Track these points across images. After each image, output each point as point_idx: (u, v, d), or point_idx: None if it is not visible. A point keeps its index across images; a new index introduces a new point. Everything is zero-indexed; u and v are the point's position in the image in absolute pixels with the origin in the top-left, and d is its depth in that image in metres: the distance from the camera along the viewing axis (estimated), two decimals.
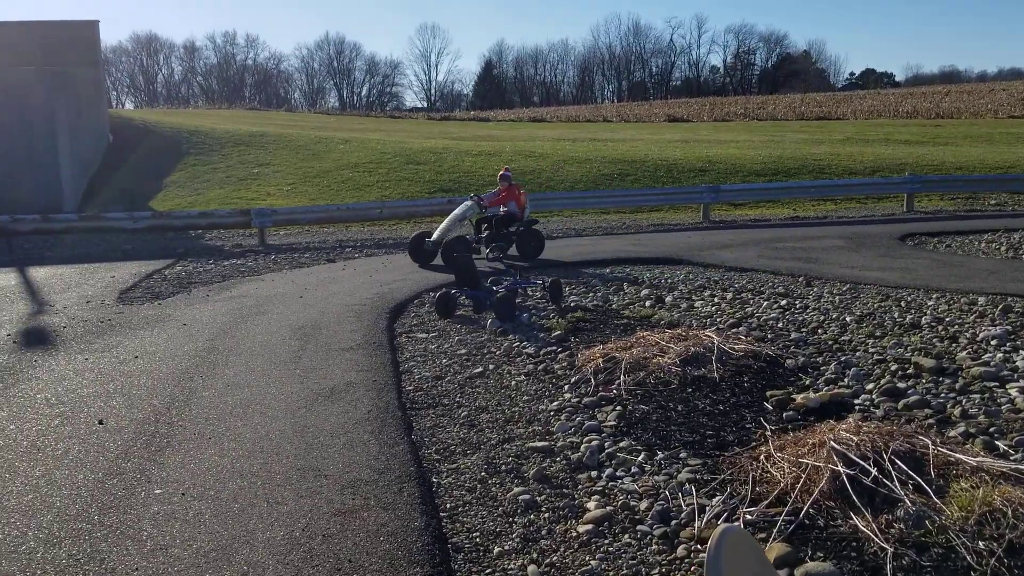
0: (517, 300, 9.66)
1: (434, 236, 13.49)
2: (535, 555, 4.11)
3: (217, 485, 4.85)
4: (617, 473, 5.06)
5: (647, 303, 9.95)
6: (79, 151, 23.44)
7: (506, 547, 4.19)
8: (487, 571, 3.97)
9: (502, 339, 8.40)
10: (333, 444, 5.50)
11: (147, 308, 10.41)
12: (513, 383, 6.93)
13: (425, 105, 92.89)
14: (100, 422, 6.01)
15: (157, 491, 4.79)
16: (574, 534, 4.32)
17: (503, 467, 5.17)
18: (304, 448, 5.43)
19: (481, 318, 9.35)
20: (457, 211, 14.10)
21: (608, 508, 4.58)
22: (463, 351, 7.98)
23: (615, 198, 19.70)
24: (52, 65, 23.62)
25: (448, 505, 4.66)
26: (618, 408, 6.09)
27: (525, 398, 6.52)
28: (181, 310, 10.14)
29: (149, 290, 11.85)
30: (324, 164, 25.29)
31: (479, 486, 4.91)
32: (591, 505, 4.63)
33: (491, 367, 7.41)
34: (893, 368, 6.88)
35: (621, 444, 5.47)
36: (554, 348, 7.86)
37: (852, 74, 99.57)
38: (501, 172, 14.39)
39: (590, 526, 4.38)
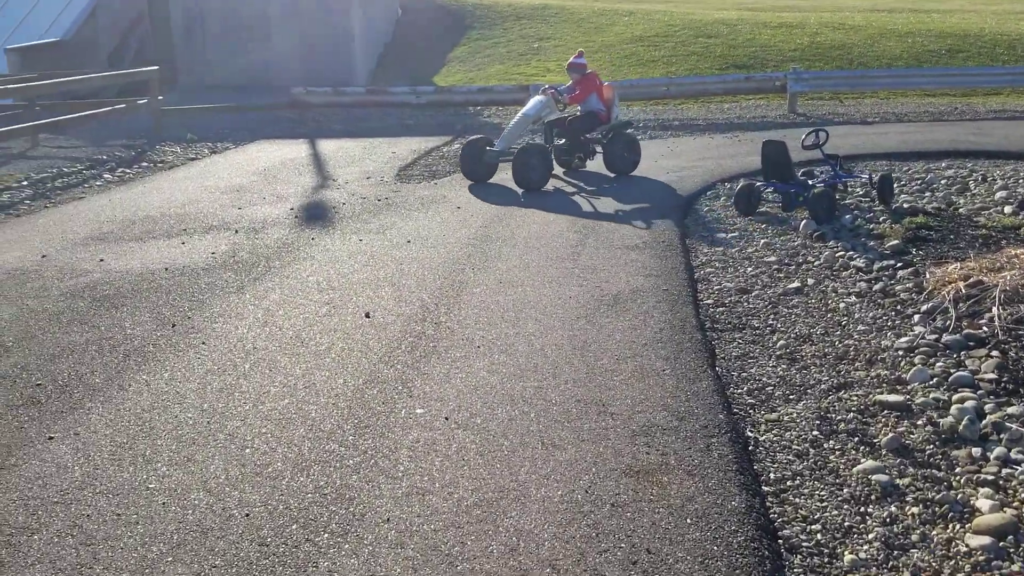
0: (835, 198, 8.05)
1: (498, 144, 10.00)
2: (907, 574, 2.91)
3: (485, 411, 4.07)
4: (1012, 455, 3.65)
5: (1006, 209, 7.91)
6: (371, 27, 23.84)
7: (862, 555, 3.02)
8: None
9: (820, 246, 6.94)
10: (619, 370, 4.52)
11: (423, 188, 9.98)
12: (841, 305, 5.54)
13: None
14: (367, 315, 5.47)
15: (418, 410, 4.10)
16: (962, 549, 3.04)
17: (841, 425, 3.93)
18: (585, 372, 4.50)
19: (792, 218, 7.88)
20: (526, 108, 10.41)
21: (1008, 513, 3.23)
22: (772, 258, 6.65)
23: (946, 78, 16.62)
24: None
25: (772, 475, 3.54)
26: (995, 354, 4.55)
27: (860, 328, 5.14)
28: (456, 191, 9.59)
29: (427, 168, 11.48)
30: (606, 38, 23.90)
31: (811, 450, 3.73)
32: (982, 504, 3.30)
33: (810, 281, 6.04)
34: None
35: (1010, 410, 4.00)
36: (892, 262, 6.29)
37: None
38: (571, 59, 10.70)
39: (985, 539, 3.07)
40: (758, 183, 8.28)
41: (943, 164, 10.53)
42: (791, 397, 4.25)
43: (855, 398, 4.20)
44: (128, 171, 11.85)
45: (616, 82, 17.02)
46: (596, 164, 10.59)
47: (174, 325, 5.35)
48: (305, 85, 17.24)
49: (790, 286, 5.93)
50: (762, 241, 7.14)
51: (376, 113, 17.71)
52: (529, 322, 5.28)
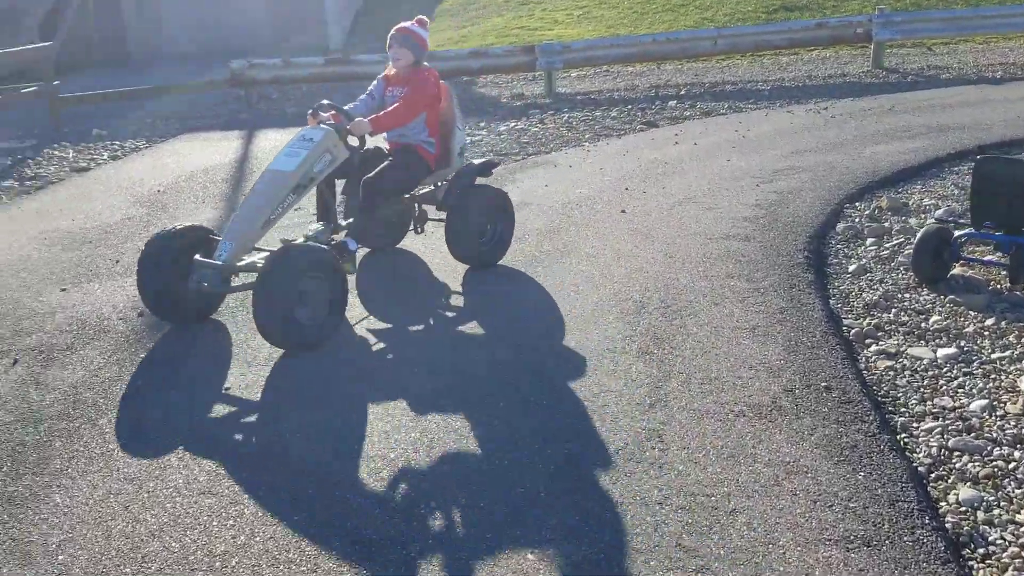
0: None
1: (222, 246, 4.28)
2: None
3: None
4: None
5: None
6: None
7: None
8: None
9: None
10: None
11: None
12: None
13: None
14: None
15: None
16: None
17: None
18: None
19: None
20: (281, 160, 4.52)
21: None
22: None
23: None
24: None
25: None
26: None
27: None
28: (426, 247, 5.87)
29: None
30: None
31: None
32: None
33: None
34: None
35: None
36: None
37: None
38: (397, 28, 4.94)
39: None
40: (957, 228, 4.63)
41: None
42: None
43: None
44: None
45: (645, 36, 13.20)
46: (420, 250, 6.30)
47: None
48: (273, 52, 13.61)
49: None
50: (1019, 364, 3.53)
51: (341, 89, 13.97)
52: None
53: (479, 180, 5.21)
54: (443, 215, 5.12)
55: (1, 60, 12.57)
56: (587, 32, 16.33)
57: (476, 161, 5.29)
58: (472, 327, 4.40)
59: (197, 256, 4.33)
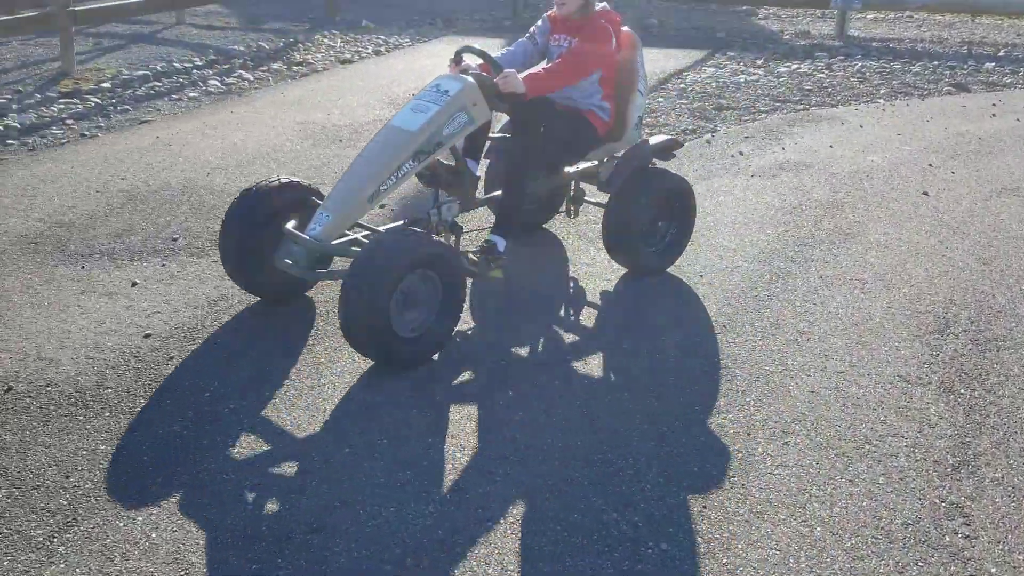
0: None
1: (315, 222, 3.36)
2: None
3: None
4: None
5: None
6: None
7: None
8: None
9: None
10: None
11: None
12: None
13: None
14: None
15: None
16: None
17: None
18: None
19: None
20: (406, 115, 3.52)
21: None
22: None
23: None
24: None
25: None
26: None
27: None
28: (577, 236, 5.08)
29: (658, 123, 7.19)
30: None
31: None
32: None
33: None
34: None
35: None
36: None
37: None
38: None
39: None
40: None
41: None
42: None
43: None
44: (247, 76, 8.51)
45: None
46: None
47: None
48: None
49: None
50: None
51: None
52: None
53: (656, 163, 4.12)
54: (604, 199, 4.06)
55: None
56: None
57: (654, 138, 4.10)
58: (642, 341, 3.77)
59: (289, 225, 3.43)
